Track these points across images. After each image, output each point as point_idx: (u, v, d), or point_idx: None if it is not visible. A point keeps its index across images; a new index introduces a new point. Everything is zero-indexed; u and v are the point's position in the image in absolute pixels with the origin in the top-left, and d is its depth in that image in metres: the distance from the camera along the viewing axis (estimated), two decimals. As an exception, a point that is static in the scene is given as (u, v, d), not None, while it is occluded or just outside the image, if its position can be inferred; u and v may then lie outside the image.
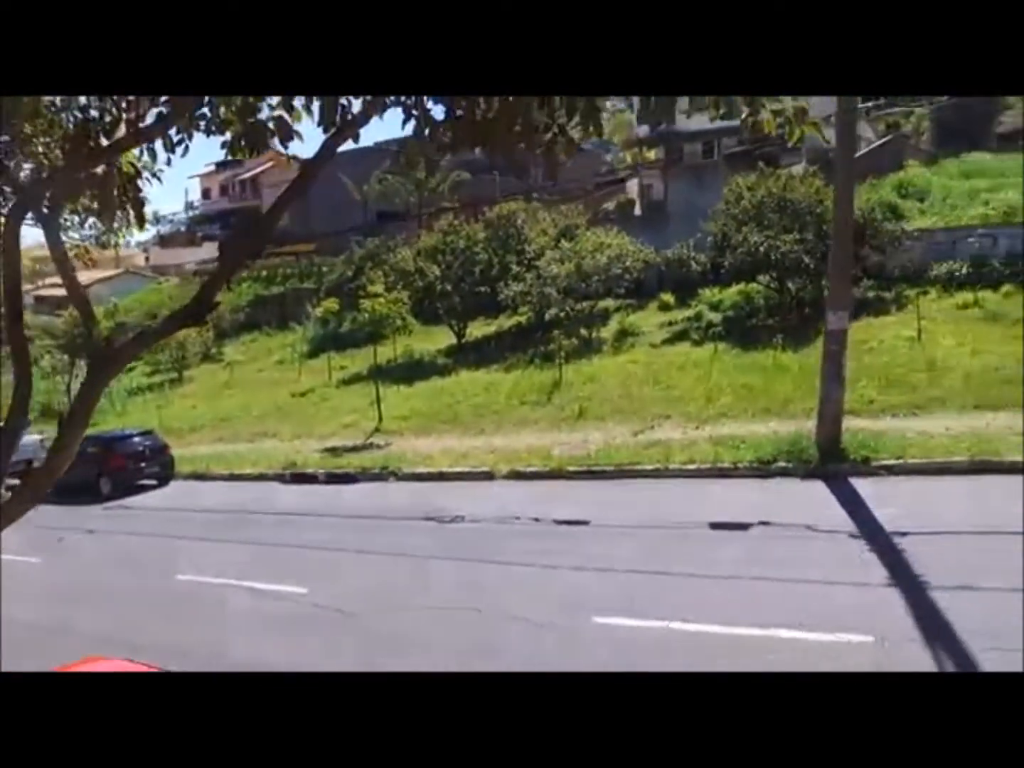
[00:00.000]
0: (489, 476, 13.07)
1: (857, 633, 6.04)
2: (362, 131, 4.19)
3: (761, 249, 20.39)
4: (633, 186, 39.92)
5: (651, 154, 42.31)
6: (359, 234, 32.65)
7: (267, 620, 8.12)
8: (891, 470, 10.15)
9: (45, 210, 3.38)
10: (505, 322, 26.81)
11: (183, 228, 61.20)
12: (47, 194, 3.39)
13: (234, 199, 53.20)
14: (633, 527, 9.47)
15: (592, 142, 56.67)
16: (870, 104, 45.49)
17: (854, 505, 9.09)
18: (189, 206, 63.04)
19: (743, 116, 4.47)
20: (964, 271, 20.26)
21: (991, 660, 5.39)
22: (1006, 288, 19.06)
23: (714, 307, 23.36)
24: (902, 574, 7.04)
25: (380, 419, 18.83)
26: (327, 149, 3.90)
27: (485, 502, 11.59)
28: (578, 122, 4.11)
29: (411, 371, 23.53)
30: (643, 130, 42.56)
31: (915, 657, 5.62)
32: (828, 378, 10.77)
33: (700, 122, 38.99)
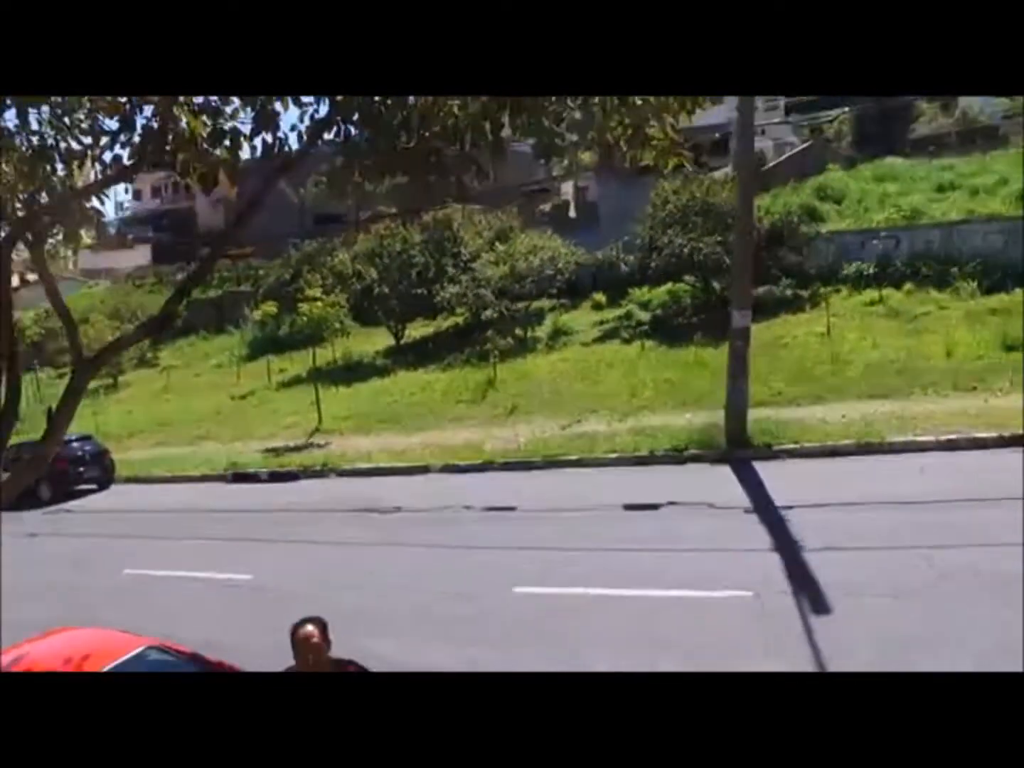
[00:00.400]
0: (425, 470, 13.88)
1: (739, 590, 7.07)
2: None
3: (685, 251, 21.66)
4: (569, 188, 41.16)
5: (586, 156, 43.73)
6: (296, 237, 32.96)
7: (213, 601, 8.81)
8: (790, 454, 11.33)
9: (31, 238, 4.06)
10: (443, 323, 27.59)
11: (113, 230, 60.14)
12: (35, 226, 4.06)
13: (166, 200, 52.66)
14: (556, 511, 10.43)
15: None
16: (792, 113, 47.73)
17: (752, 485, 10.21)
18: (119, 207, 61.93)
19: (624, 151, 5.39)
20: (871, 271, 21.84)
21: (844, 607, 6.48)
22: (907, 286, 20.68)
23: (643, 306, 24.58)
24: (782, 540, 8.13)
25: (320, 420, 19.42)
26: (270, 180, 4.69)
27: (421, 494, 12.41)
28: (487, 154, 4.97)
29: (350, 372, 24.13)
30: (578, 133, 43.84)
31: (782, 606, 6.67)
32: (734, 373, 11.91)
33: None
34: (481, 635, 7.01)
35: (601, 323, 24.39)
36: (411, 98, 4.65)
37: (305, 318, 20.31)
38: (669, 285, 24.61)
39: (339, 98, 4.63)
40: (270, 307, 23.33)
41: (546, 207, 39.50)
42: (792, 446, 11.45)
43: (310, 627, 3.58)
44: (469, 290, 24.16)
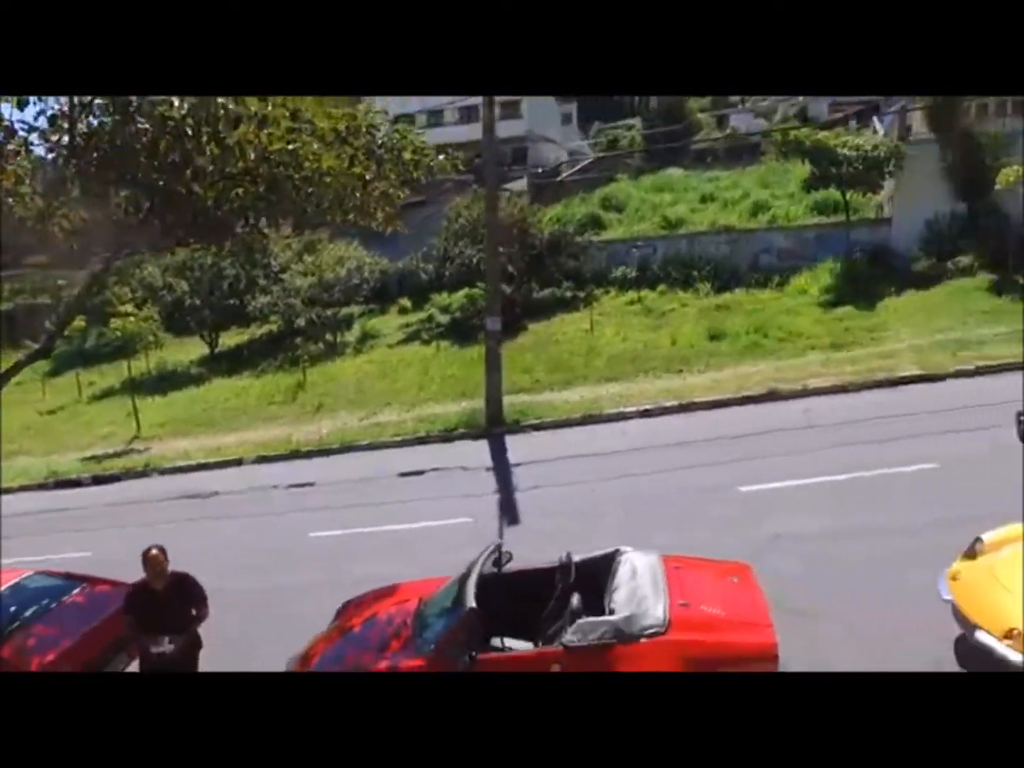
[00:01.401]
0: (239, 462, 16.34)
1: (464, 518, 10.36)
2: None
3: (474, 261, 25.20)
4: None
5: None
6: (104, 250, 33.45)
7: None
8: (534, 428, 14.91)
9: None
10: (257, 331, 29.60)
11: None
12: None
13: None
14: (345, 482, 13.40)
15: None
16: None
17: (498, 452, 13.67)
18: None
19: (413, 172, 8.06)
20: (633, 274, 26.37)
21: (538, 523, 9.88)
22: (661, 287, 25.27)
23: (444, 310, 27.84)
24: (505, 485, 11.57)
25: (138, 427, 21.11)
26: (16, 367, 7.10)
27: (236, 481, 14.92)
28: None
29: (165, 382, 25.71)
30: (387, 141, 46.70)
31: (492, 527, 10.01)
32: (489, 368, 15.37)
33: (442, 136, 43.63)
34: (282, 564, 9.91)
35: (406, 326, 27.45)
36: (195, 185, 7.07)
37: (118, 333, 21.84)
38: (466, 290, 28.11)
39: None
40: (80, 322, 24.42)
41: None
42: (536, 421, 15.05)
43: (155, 550, 6.16)
44: (280, 300, 26.45)
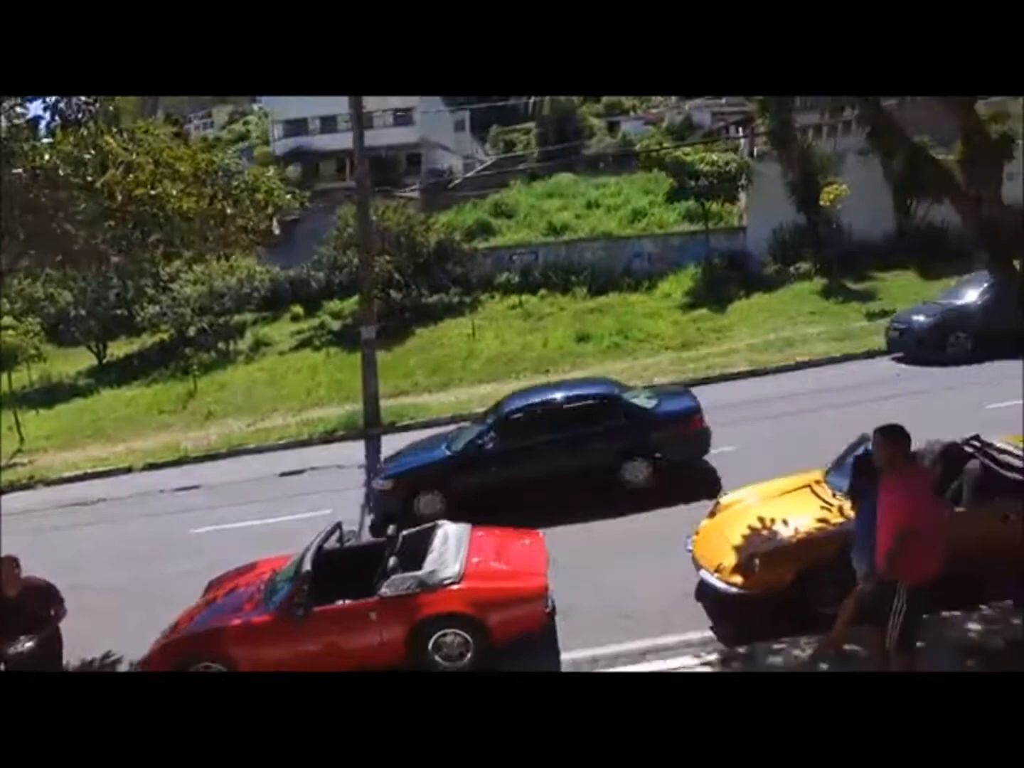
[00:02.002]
0: (128, 470, 17.16)
1: (327, 510, 11.71)
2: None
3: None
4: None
5: (290, 171, 47.19)
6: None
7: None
8: (407, 428, 16.33)
9: None
10: (148, 340, 30.00)
11: None
12: None
13: None
14: (229, 483, 14.52)
15: (234, 157, 59.59)
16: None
17: (372, 450, 15.05)
18: None
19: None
20: (516, 279, 28.10)
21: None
22: (542, 292, 27.05)
23: (335, 316, 28.93)
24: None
25: (22, 440, 21.46)
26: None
27: (124, 487, 15.78)
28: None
29: (50, 394, 25.90)
30: (281, 146, 47.19)
31: (355, 517, 11.39)
32: (366, 374, 16.71)
33: (335, 141, 44.31)
34: (162, 557, 11.06)
35: (298, 333, 28.41)
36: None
37: (-2, 347, 22.14)
38: (358, 296, 29.26)
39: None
40: (-43, 336, 24.45)
41: (276, 228, 42.47)
42: (409, 422, 16.49)
43: (5, 562, 6.91)
44: (169, 309, 27.01)
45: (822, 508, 6.94)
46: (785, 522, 6.89)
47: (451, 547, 7.23)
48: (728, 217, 27.31)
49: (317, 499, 12.44)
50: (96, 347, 28.30)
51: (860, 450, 6.59)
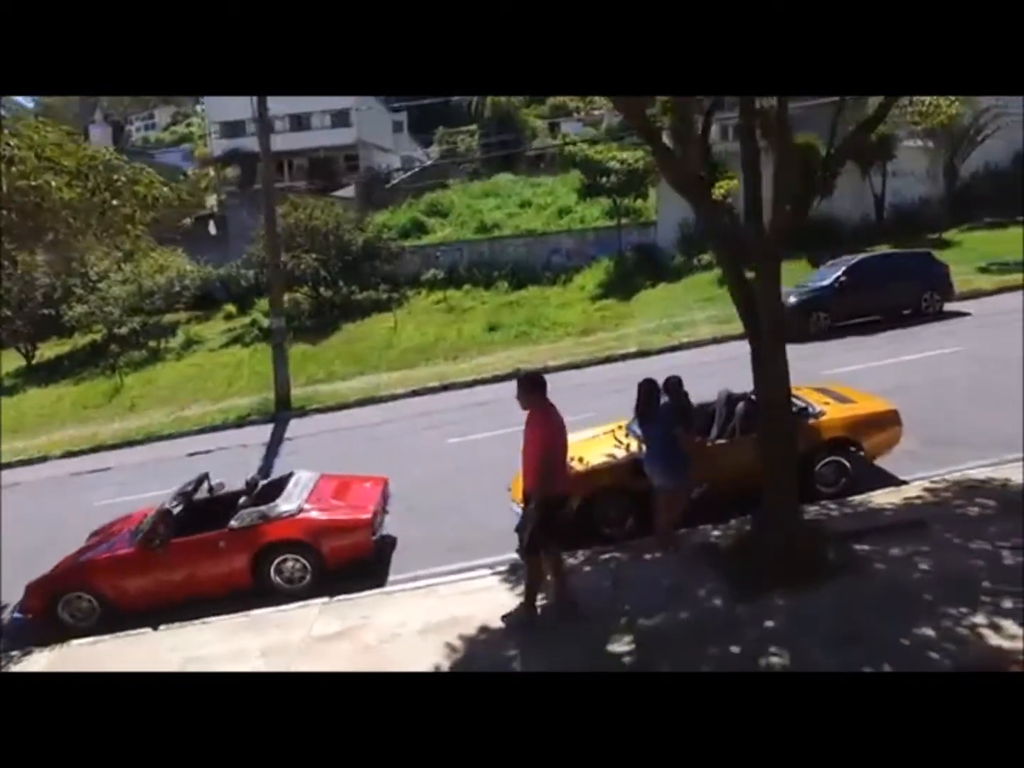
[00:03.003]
0: (44, 459, 18.03)
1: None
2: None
3: (289, 266, 27.41)
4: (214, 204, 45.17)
5: (228, 172, 47.92)
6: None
7: None
8: (316, 411, 17.45)
9: None
10: (80, 340, 30.68)
11: None
12: None
13: None
14: (142, 465, 15.52)
15: (174, 156, 60.04)
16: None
17: (279, 431, 16.15)
18: None
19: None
20: (441, 276, 29.32)
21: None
22: (466, 287, 28.31)
23: (267, 314, 29.89)
24: (273, 455, 14.07)
25: (-58, 437, 22.12)
26: None
27: (42, 473, 16.69)
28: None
29: (-27, 395, 26.50)
30: (219, 147, 47.88)
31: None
32: (276, 362, 17.79)
33: (272, 142, 44.99)
34: (66, 527, 12.05)
35: (231, 331, 29.30)
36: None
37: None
38: (291, 295, 30.21)
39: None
40: None
41: (189, 222, 43.24)
42: (318, 406, 17.62)
43: None
44: (97, 308, 27.74)
45: (614, 447, 8.24)
46: (581, 459, 8.16)
47: (297, 489, 8.40)
48: (647, 212, 28.83)
49: (221, 472, 13.47)
50: (24, 348, 28.89)
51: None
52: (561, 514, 6.14)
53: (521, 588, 6.64)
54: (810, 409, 8.10)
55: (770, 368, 6.50)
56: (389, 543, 8.85)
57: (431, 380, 18.25)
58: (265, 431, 16.69)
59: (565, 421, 6.08)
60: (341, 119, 45.00)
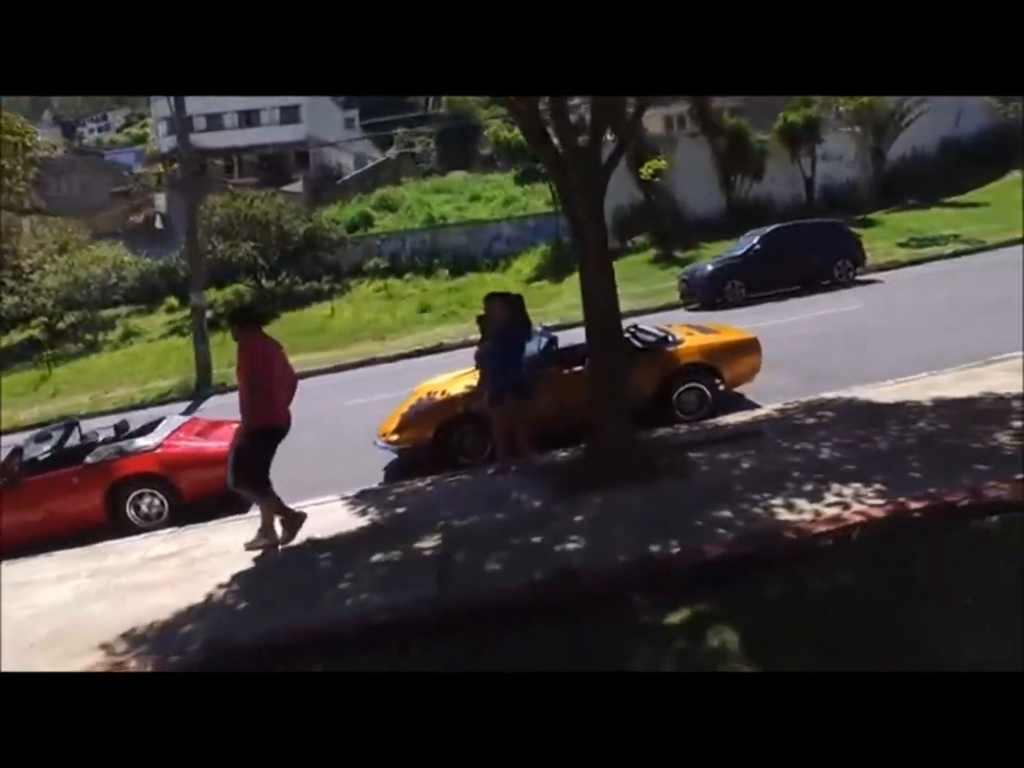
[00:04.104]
0: (-42, 440, 17.68)
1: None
2: None
3: (226, 255, 27.22)
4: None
5: (175, 168, 47.52)
6: None
7: None
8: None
9: None
10: (17, 336, 30.19)
11: None
12: None
13: None
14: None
15: (127, 157, 59.48)
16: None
17: (195, 406, 15.97)
18: None
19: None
20: (384, 265, 29.25)
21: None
22: (408, 275, 28.26)
23: (208, 306, 29.60)
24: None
25: None
26: None
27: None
28: None
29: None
30: (167, 143, 47.45)
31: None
32: (197, 338, 17.62)
33: (221, 139, 44.76)
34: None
35: (171, 323, 28.97)
36: None
37: None
38: (235, 287, 30.00)
39: None
40: None
41: (139, 218, 42.84)
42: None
43: None
44: (30, 300, 27.30)
45: (474, 381, 8.26)
46: (444, 392, 8.16)
47: (163, 428, 8.30)
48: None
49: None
50: (-44, 343, 28.37)
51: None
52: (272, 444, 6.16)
53: (360, 515, 6.64)
54: (670, 338, 8.18)
55: (594, 290, 6.60)
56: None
57: (355, 357, 18.17)
58: (183, 408, 16.49)
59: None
60: (291, 115, 44.80)
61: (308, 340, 21.85)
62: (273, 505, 6.31)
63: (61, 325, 28.24)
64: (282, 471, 8.91)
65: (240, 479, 6.16)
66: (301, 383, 16.26)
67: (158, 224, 40.23)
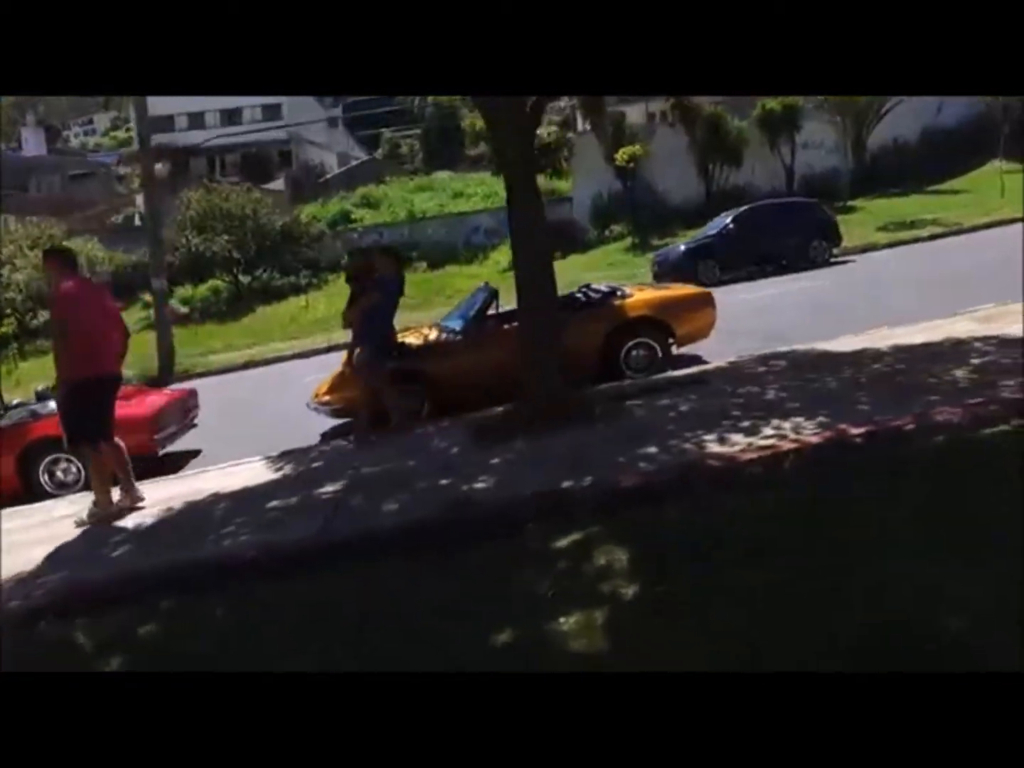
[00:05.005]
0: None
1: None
2: None
3: (200, 249, 26.74)
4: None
5: (158, 168, 47.04)
6: None
7: None
8: (201, 375, 16.79)
9: None
10: (-6, 334, 29.70)
11: None
12: None
13: None
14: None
15: (102, 155, 59.06)
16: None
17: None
18: None
19: None
20: (362, 259, 28.79)
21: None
22: (386, 269, 27.81)
23: (185, 302, 29.08)
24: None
25: None
26: None
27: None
28: None
29: None
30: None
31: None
32: (160, 328, 17.13)
33: (202, 137, 44.34)
34: None
35: (146, 319, 28.45)
36: None
37: None
38: (213, 283, 29.49)
39: None
40: None
41: (119, 218, 42.34)
42: (202, 369, 16.99)
43: None
44: None
45: (415, 339, 7.86)
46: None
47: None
48: (565, 189, 28.59)
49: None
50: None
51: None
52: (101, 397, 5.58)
53: (275, 472, 6.18)
54: (618, 292, 7.74)
55: (522, 226, 6.18)
56: (191, 453, 8.33)
57: (323, 344, 17.70)
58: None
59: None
60: (273, 114, 44.42)
61: (279, 331, 21.42)
62: (102, 466, 5.71)
63: (36, 323, 27.69)
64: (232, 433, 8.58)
65: (73, 439, 5.57)
66: (267, 369, 15.85)
67: (136, 222, 39.72)
